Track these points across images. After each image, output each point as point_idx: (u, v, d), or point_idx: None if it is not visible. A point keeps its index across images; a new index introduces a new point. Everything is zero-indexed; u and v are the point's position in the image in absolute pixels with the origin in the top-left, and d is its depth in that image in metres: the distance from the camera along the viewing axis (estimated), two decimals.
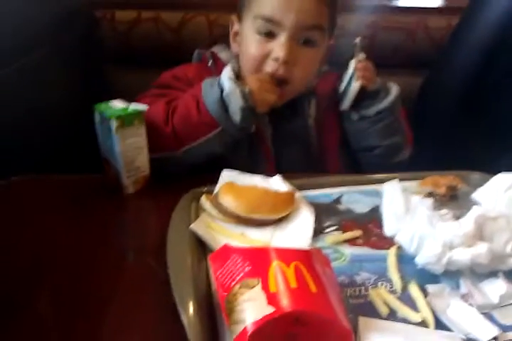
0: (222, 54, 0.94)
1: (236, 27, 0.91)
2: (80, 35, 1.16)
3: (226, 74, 0.79)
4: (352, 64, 0.89)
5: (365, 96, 0.89)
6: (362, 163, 0.97)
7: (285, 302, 0.45)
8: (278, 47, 0.82)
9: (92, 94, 1.12)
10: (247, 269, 0.49)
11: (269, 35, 0.83)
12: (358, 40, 0.90)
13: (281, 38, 0.82)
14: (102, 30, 1.17)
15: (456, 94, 1.04)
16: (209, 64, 0.92)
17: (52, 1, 1.05)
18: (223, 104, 0.77)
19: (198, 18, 1.17)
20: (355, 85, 0.87)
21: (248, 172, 0.76)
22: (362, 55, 0.90)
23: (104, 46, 1.19)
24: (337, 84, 0.92)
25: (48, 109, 0.95)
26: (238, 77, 0.80)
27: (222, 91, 0.77)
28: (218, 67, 0.92)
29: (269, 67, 0.83)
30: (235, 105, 0.77)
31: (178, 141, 0.80)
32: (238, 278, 0.48)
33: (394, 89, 0.91)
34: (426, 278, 0.59)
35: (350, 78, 0.89)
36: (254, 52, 0.84)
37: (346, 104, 0.90)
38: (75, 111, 0.99)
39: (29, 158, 0.86)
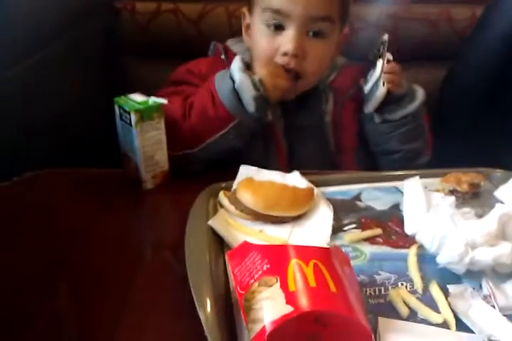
0: (235, 47, 0.93)
1: (247, 20, 0.90)
2: (100, 27, 1.16)
3: (236, 65, 0.79)
4: (379, 65, 0.85)
5: (390, 100, 0.87)
6: (380, 166, 0.96)
7: (304, 301, 0.44)
8: (287, 41, 0.81)
9: (112, 87, 1.12)
10: (265, 267, 0.49)
11: (278, 28, 0.82)
12: (385, 37, 0.87)
13: (290, 31, 0.81)
14: (122, 21, 1.17)
15: (480, 87, 1.02)
16: (222, 57, 0.92)
17: None
18: (236, 95, 0.77)
19: (218, 10, 1.16)
20: (383, 90, 0.84)
21: (262, 167, 0.76)
22: (389, 55, 0.86)
23: (124, 38, 1.19)
24: (361, 83, 0.90)
25: (67, 102, 0.96)
26: (249, 67, 0.80)
27: (234, 82, 0.77)
28: (230, 60, 0.90)
29: (280, 60, 0.83)
30: (248, 95, 0.76)
31: (196, 138, 0.79)
32: (257, 275, 0.48)
33: (419, 94, 0.88)
34: (447, 278, 0.58)
35: (377, 80, 0.85)
36: (264, 46, 0.84)
37: (370, 107, 0.87)
38: (95, 104, 0.99)
39: (49, 153, 0.87)
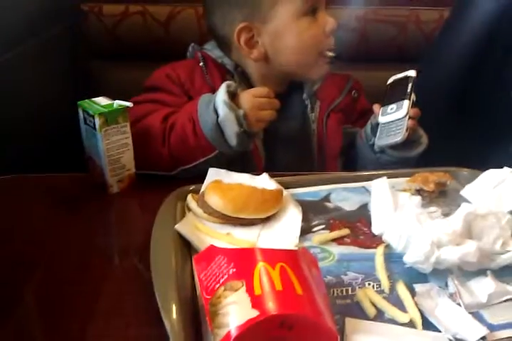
0: (214, 52, 0.92)
1: (247, 35, 0.86)
2: (66, 29, 1.15)
3: (221, 97, 0.76)
4: (405, 106, 0.82)
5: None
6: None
7: (270, 305, 0.44)
8: (328, 19, 0.85)
9: (78, 90, 1.11)
10: (231, 271, 0.48)
11: (314, 12, 0.85)
12: (413, 73, 0.85)
13: (323, 11, 0.85)
14: (89, 24, 1.15)
15: (446, 89, 1.03)
16: (200, 64, 0.90)
17: None
18: (219, 128, 0.76)
19: (187, 12, 1.16)
20: (404, 136, 0.80)
21: (236, 170, 0.75)
22: (413, 96, 0.84)
23: (91, 40, 1.17)
24: (375, 110, 0.87)
25: (32, 105, 0.94)
26: (234, 95, 0.78)
27: (217, 116, 0.76)
28: (209, 66, 0.90)
29: (329, 45, 0.87)
30: (231, 131, 0.76)
31: (174, 163, 0.79)
32: (222, 280, 0.48)
33: (423, 140, 0.87)
34: (414, 277, 0.58)
35: (401, 123, 0.81)
36: (315, 33, 0.86)
37: (379, 145, 0.85)
38: (60, 107, 0.98)
39: (13, 157, 0.85)
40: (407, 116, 0.82)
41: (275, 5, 0.84)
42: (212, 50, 0.92)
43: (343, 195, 0.74)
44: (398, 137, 0.81)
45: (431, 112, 1.03)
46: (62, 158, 0.88)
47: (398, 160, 0.87)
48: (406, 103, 0.82)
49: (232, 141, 0.76)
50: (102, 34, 1.15)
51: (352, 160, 0.96)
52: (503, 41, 0.93)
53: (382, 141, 0.84)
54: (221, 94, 0.77)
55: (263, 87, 0.82)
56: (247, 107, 0.77)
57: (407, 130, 0.81)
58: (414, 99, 0.84)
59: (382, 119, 0.84)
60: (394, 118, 0.83)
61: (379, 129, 0.85)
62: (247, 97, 0.79)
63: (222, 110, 0.75)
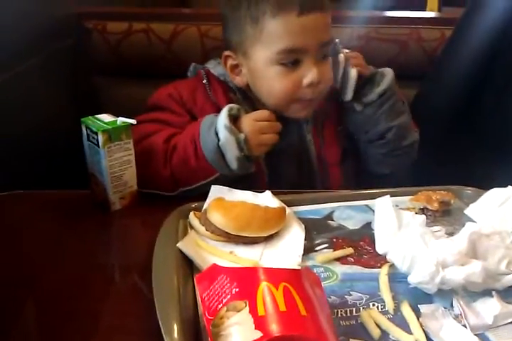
0: (216, 70, 0.93)
1: (233, 61, 0.88)
2: (70, 47, 1.16)
3: (222, 121, 0.76)
4: (341, 56, 0.87)
5: (362, 83, 0.88)
6: (371, 161, 0.96)
7: (273, 326, 0.43)
8: (309, 72, 0.82)
9: (81, 107, 1.11)
10: (234, 291, 0.47)
11: (294, 63, 0.82)
12: (337, 40, 0.90)
13: (308, 62, 0.82)
14: (93, 41, 1.16)
15: (449, 107, 1.04)
16: (204, 81, 0.91)
17: (40, 11, 1.04)
18: (220, 152, 0.76)
19: (190, 30, 1.16)
20: (353, 72, 0.86)
21: (239, 188, 0.75)
22: (346, 50, 0.90)
23: (94, 58, 1.18)
24: (332, 90, 0.90)
25: (34, 122, 0.94)
26: (237, 118, 0.78)
27: (218, 139, 0.76)
28: (212, 84, 0.91)
29: (306, 94, 0.84)
30: (231, 155, 0.76)
31: (175, 184, 0.79)
32: (225, 300, 0.47)
33: (387, 70, 0.90)
34: (419, 297, 0.57)
35: (344, 69, 0.87)
36: (286, 85, 0.83)
37: (349, 93, 0.88)
38: (63, 124, 0.98)
39: (14, 172, 0.85)
40: (346, 60, 0.87)
41: (256, 44, 0.83)
42: (214, 67, 0.93)
43: (347, 213, 0.73)
44: (351, 76, 0.87)
45: (433, 130, 1.04)
46: (65, 175, 0.87)
47: (382, 101, 0.88)
48: (340, 56, 0.88)
49: (233, 164, 0.76)
50: (105, 51, 1.16)
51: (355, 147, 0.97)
52: (506, 61, 0.94)
53: (347, 92, 0.88)
54: (222, 118, 0.76)
55: (264, 111, 0.82)
56: (248, 131, 0.77)
57: (352, 67, 0.87)
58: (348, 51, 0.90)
59: (336, 80, 0.89)
60: (340, 72, 0.88)
61: (341, 89, 0.89)
62: (248, 121, 0.79)
63: (223, 134, 0.75)
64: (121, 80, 1.19)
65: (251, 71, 0.87)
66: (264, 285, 0.47)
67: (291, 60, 0.82)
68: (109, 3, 1.37)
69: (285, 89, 0.84)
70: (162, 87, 0.93)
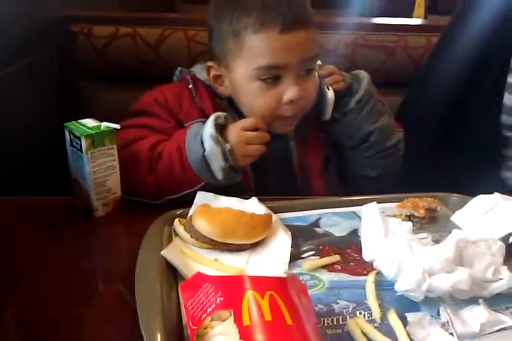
0: (202, 74, 0.92)
1: (215, 72, 0.87)
2: (55, 50, 1.14)
3: (208, 131, 0.75)
4: (315, 75, 0.87)
5: (340, 95, 0.88)
6: (358, 164, 0.95)
7: (259, 337, 0.43)
8: (289, 89, 0.80)
9: (65, 112, 1.10)
10: (219, 300, 0.47)
11: (275, 79, 0.81)
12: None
13: (289, 79, 0.81)
14: (79, 45, 1.15)
15: (435, 114, 1.04)
16: (190, 86, 0.90)
17: (24, 15, 1.02)
18: (206, 162, 0.75)
19: (177, 34, 1.16)
20: (330, 94, 0.86)
21: (225, 194, 0.74)
22: (318, 62, 0.88)
23: (80, 62, 1.17)
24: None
25: (17, 126, 0.93)
26: (224, 127, 0.77)
27: (204, 148, 0.75)
28: (198, 88, 0.90)
29: (286, 111, 0.83)
30: (216, 165, 0.75)
31: (160, 193, 0.77)
32: (209, 309, 0.46)
33: (362, 74, 0.90)
34: (405, 305, 0.57)
35: (320, 87, 0.87)
36: (265, 101, 0.82)
37: (327, 114, 0.88)
38: (46, 129, 0.96)
39: None
40: (321, 79, 0.87)
41: (237, 58, 0.82)
42: (200, 72, 0.92)
43: (333, 220, 0.73)
44: (329, 99, 0.86)
45: (420, 137, 1.04)
46: (48, 181, 0.86)
47: (361, 106, 0.88)
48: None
49: (219, 175, 0.75)
50: (91, 55, 1.15)
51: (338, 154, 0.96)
52: (492, 68, 0.95)
53: (326, 113, 0.88)
54: (208, 127, 0.75)
55: (251, 119, 0.80)
56: (234, 142, 0.76)
57: (328, 88, 0.86)
58: (321, 63, 0.89)
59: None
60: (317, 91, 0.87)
61: (319, 109, 0.89)
62: (234, 131, 0.77)
63: (208, 144, 0.74)
64: (107, 85, 1.18)
65: (232, 84, 0.86)
66: (249, 294, 0.46)
67: (271, 76, 0.81)
68: (96, 7, 1.36)
69: (265, 105, 0.83)
70: (147, 92, 0.92)
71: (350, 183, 0.98)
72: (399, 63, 1.19)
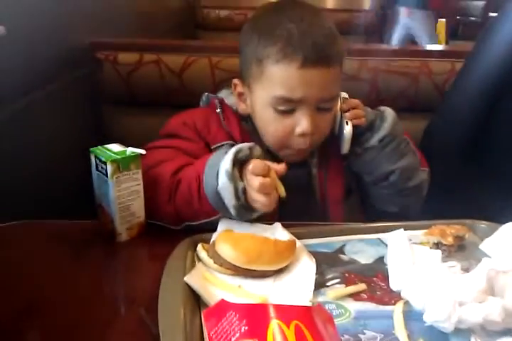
0: (229, 99, 0.93)
1: (240, 89, 0.89)
2: (81, 77, 1.17)
3: (224, 165, 0.70)
4: (337, 106, 0.87)
5: (361, 131, 0.87)
6: (378, 200, 0.93)
7: None
8: (302, 122, 0.81)
9: (90, 137, 1.11)
10: (243, 329, 0.46)
11: (289, 111, 0.82)
12: (343, 94, 0.89)
13: (304, 112, 0.81)
14: (104, 71, 1.17)
15: (460, 140, 1.03)
16: (217, 110, 0.90)
17: (53, 41, 1.05)
18: (219, 196, 0.71)
19: (201, 61, 1.17)
20: (348, 129, 0.84)
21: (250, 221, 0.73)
22: (344, 94, 0.88)
23: (105, 88, 1.19)
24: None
25: (44, 151, 0.94)
26: (243, 163, 0.72)
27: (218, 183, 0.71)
28: (226, 113, 0.90)
29: (297, 144, 0.83)
30: (228, 202, 0.70)
31: (179, 220, 0.76)
32: (234, 338, 0.45)
33: (388, 113, 0.88)
34: (435, 336, 0.55)
35: (340, 121, 0.86)
36: (277, 130, 0.83)
37: (345, 148, 0.87)
38: (72, 153, 0.98)
39: (22, 202, 0.84)
40: (341, 112, 0.86)
41: (258, 83, 0.83)
42: (226, 97, 0.93)
43: (358, 247, 0.71)
44: (346, 133, 0.84)
45: (444, 164, 1.03)
46: (73, 205, 0.87)
47: (383, 145, 0.86)
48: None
49: (232, 211, 0.71)
50: (116, 82, 1.17)
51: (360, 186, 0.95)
52: None
53: (343, 146, 0.86)
54: (226, 161, 0.70)
55: (262, 165, 0.69)
56: (246, 184, 0.70)
57: (347, 123, 0.84)
58: (346, 96, 0.89)
59: (334, 131, 0.88)
60: (337, 124, 0.87)
61: (338, 141, 0.88)
62: (253, 178, 0.69)
63: (221, 179, 0.70)
64: (132, 110, 1.20)
65: (252, 105, 0.87)
66: (274, 323, 0.45)
67: (285, 108, 0.81)
68: (120, 33, 1.39)
69: (276, 133, 0.84)
70: (175, 116, 0.93)
71: (370, 214, 0.96)
72: (422, 89, 1.18)
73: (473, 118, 1.00)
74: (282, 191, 0.72)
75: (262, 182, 0.68)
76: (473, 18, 3.98)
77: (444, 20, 3.06)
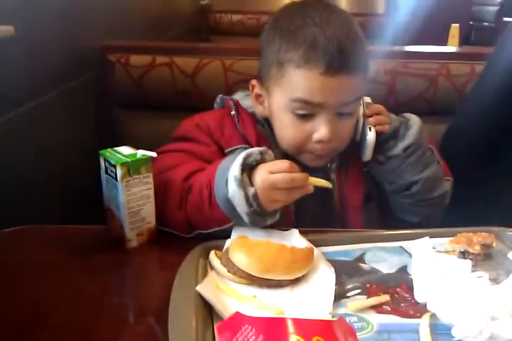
0: (245, 102, 0.90)
1: (257, 90, 0.87)
2: (92, 79, 1.16)
3: (233, 172, 0.67)
4: (360, 112, 0.84)
5: (385, 138, 0.84)
6: (398, 209, 0.90)
7: None
8: (321, 128, 0.78)
9: (101, 140, 1.10)
10: None
11: (308, 115, 0.79)
12: (366, 99, 0.86)
13: (322, 118, 0.78)
14: (116, 74, 1.16)
15: (481, 143, 0.99)
16: (232, 112, 0.88)
17: (64, 44, 1.04)
18: (230, 203, 0.68)
19: (214, 64, 1.16)
20: (371, 136, 0.82)
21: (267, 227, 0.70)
22: (367, 99, 0.86)
23: (116, 90, 1.18)
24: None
25: (53, 154, 0.93)
26: (252, 168, 0.69)
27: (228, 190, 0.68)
28: (241, 115, 0.88)
29: (315, 149, 0.81)
30: (240, 209, 0.67)
31: (190, 227, 0.73)
32: None
33: (413, 121, 0.85)
34: None
35: (363, 126, 0.83)
36: (294, 135, 0.81)
37: (367, 155, 0.84)
38: (82, 155, 0.96)
39: (31, 206, 0.83)
40: (364, 118, 0.83)
41: (277, 86, 0.81)
42: (242, 99, 0.91)
43: (379, 256, 0.68)
44: (369, 140, 0.82)
45: (464, 168, 0.99)
46: (81, 209, 0.85)
47: (407, 154, 0.83)
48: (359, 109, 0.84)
49: (244, 218, 0.68)
50: (128, 84, 1.15)
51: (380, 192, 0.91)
52: None
53: (365, 153, 0.84)
54: (235, 167, 0.67)
55: (284, 162, 0.69)
56: (260, 186, 0.67)
57: (370, 129, 0.82)
58: (370, 101, 0.86)
59: (355, 137, 0.85)
60: (359, 129, 0.84)
61: (360, 147, 0.85)
62: (261, 174, 0.68)
63: (231, 186, 0.66)
64: (143, 113, 1.18)
65: (270, 108, 0.85)
66: (294, 339, 0.42)
67: (304, 112, 0.79)
68: (133, 36, 1.39)
69: (293, 138, 0.81)
70: (188, 119, 0.91)
71: (390, 222, 0.93)
72: (441, 91, 1.15)
73: (497, 119, 0.96)
74: (325, 182, 0.73)
75: (282, 178, 0.67)
76: (486, 24, 3.93)
77: (457, 25, 3.03)
